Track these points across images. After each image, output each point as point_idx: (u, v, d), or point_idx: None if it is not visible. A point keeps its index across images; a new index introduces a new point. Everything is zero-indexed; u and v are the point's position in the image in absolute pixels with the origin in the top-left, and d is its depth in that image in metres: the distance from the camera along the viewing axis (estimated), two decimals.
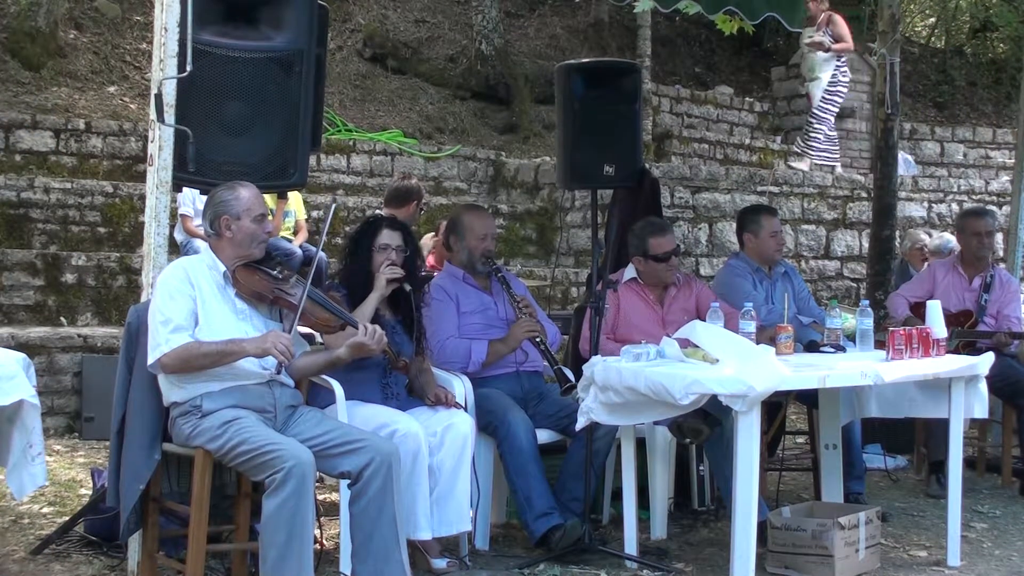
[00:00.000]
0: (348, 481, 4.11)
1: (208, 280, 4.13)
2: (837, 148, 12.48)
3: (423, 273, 5.55)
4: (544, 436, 5.15)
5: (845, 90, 12.38)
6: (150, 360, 4.00)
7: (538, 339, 5.23)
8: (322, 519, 4.42)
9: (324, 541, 4.60)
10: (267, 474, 3.85)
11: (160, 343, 3.97)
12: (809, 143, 12.30)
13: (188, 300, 4.05)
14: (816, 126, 12.27)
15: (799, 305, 5.98)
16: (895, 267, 8.95)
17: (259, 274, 4.21)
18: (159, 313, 4.01)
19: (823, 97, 12.20)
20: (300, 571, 3.85)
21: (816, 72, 12.24)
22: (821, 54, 12.11)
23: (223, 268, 4.17)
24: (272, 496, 3.83)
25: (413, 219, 7.04)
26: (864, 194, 11.20)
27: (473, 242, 5.38)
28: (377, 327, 4.39)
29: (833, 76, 12.15)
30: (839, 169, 12.27)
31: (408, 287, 4.84)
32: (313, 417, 4.24)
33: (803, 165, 12.04)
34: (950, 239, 8.79)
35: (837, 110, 12.43)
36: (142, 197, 7.71)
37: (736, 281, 5.89)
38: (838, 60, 12.13)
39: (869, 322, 5.21)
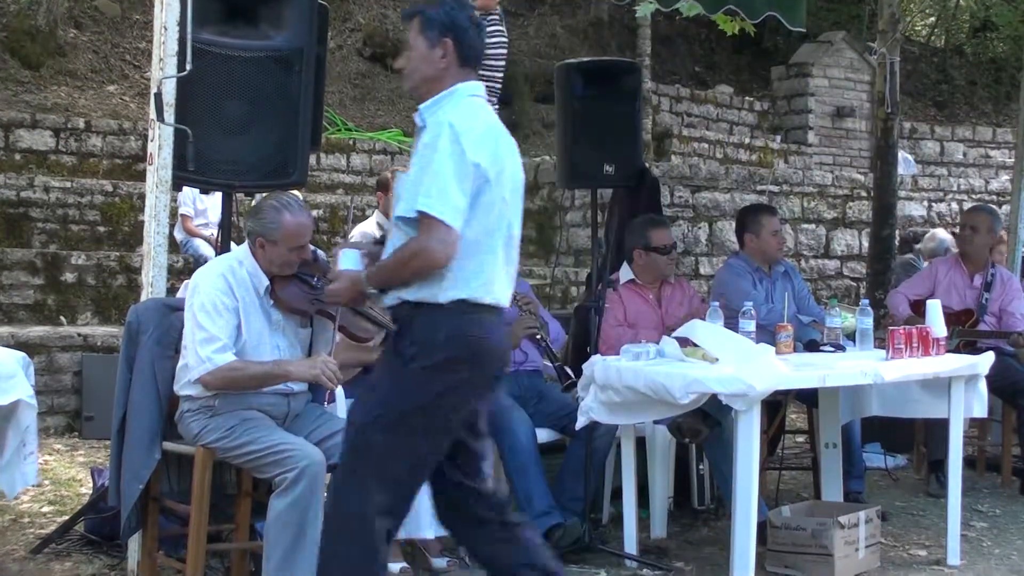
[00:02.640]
0: None
1: (248, 288, 4.07)
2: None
3: None
4: (544, 435, 5.15)
5: (501, 51, 10.49)
6: (192, 376, 3.97)
7: (538, 336, 5.23)
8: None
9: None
10: (277, 473, 3.84)
11: (203, 360, 3.93)
12: None
13: (232, 315, 4.00)
14: None
15: (799, 304, 5.97)
16: (896, 266, 8.92)
17: (296, 285, 4.14)
18: (201, 329, 3.94)
19: None
20: (306, 573, 3.83)
21: None
22: None
23: (266, 281, 4.10)
24: (282, 495, 3.81)
25: (387, 209, 7.02)
26: (864, 193, 11.20)
27: None
28: None
29: None
30: None
31: None
32: (309, 411, 4.24)
33: None
34: (945, 239, 8.79)
35: (498, 75, 10.52)
36: (142, 196, 7.72)
37: (735, 280, 5.89)
38: (484, 18, 10.69)
39: (869, 321, 5.20)
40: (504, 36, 10.32)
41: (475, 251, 3.36)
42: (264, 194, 4.45)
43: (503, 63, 10.29)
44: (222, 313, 3.98)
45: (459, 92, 3.47)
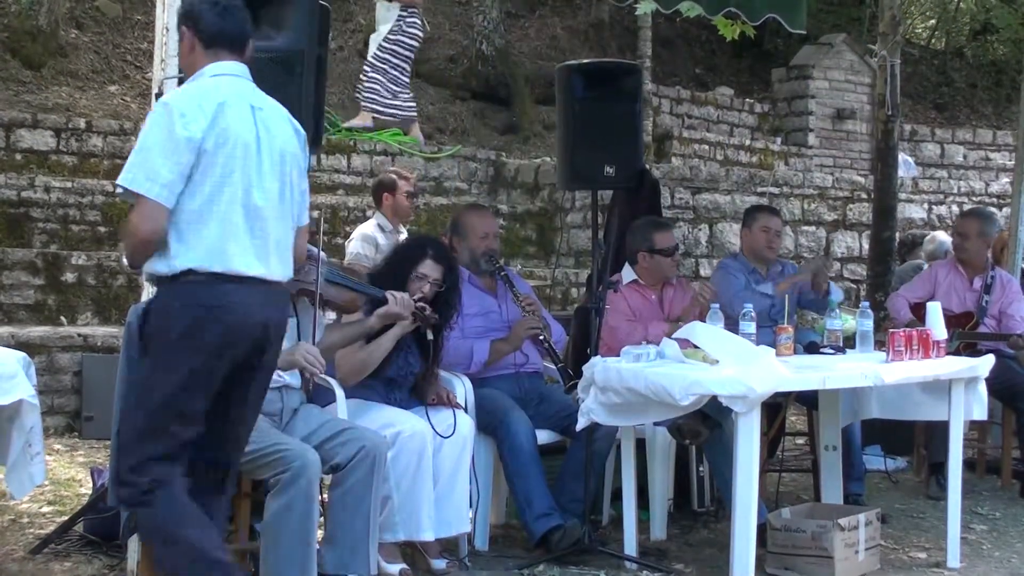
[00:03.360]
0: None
1: None
2: (411, 105, 11.26)
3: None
4: (544, 437, 5.15)
5: (412, 42, 11.06)
6: None
7: (541, 337, 5.22)
8: (324, 519, 4.41)
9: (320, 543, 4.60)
10: (272, 473, 3.85)
11: None
12: (364, 94, 11.07)
13: None
14: (371, 75, 10.97)
15: (800, 297, 6.00)
16: (902, 271, 8.88)
17: None
18: None
19: (380, 46, 10.95)
20: (303, 572, 3.85)
21: (378, 24, 11.18)
22: (385, 4, 11.04)
23: None
24: (277, 496, 3.82)
25: (394, 211, 7.06)
26: (864, 195, 11.20)
27: (475, 241, 5.37)
28: (405, 295, 4.47)
29: (396, 26, 10.87)
30: (416, 131, 11.31)
31: (430, 334, 4.66)
32: (308, 413, 4.25)
33: (359, 120, 11.09)
34: (944, 241, 8.79)
35: (404, 64, 11.06)
36: None
37: (728, 279, 5.90)
38: (403, 11, 10.90)
39: (869, 323, 5.21)
40: (419, 29, 11.06)
41: (200, 221, 3.43)
42: None
43: (413, 53, 11.15)
44: None
45: (203, 74, 3.60)
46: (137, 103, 11.30)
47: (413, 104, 11.35)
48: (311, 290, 4.19)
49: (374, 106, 11.00)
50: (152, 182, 3.35)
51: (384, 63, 10.99)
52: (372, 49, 11.16)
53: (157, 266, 3.45)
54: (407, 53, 11.10)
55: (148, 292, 4.27)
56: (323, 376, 4.59)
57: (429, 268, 4.75)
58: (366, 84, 11.07)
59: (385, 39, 10.97)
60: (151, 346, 3.47)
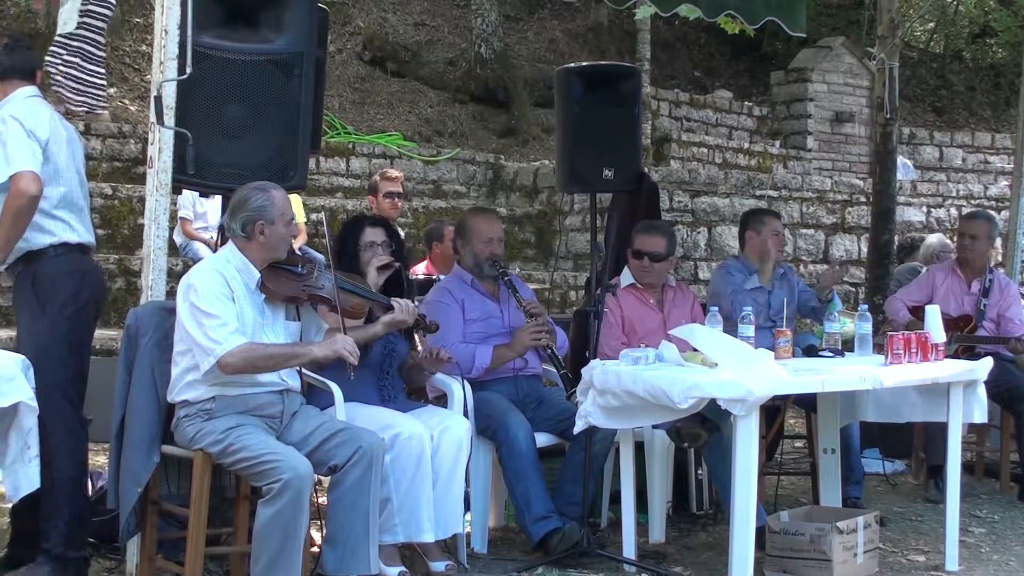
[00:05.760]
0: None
1: (239, 284, 4.10)
2: (101, 92, 9.82)
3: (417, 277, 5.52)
4: (543, 439, 5.15)
5: (105, 11, 9.51)
6: (206, 363, 3.95)
7: (546, 344, 5.21)
8: (323, 521, 4.41)
9: (321, 544, 4.60)
10: (265, 482, 3.88)
11: (220, 341, 3.94)
12: (55, 82, 9.31)
13: (232, 304, 4.04)
14: (66, 58, 9.36)
15: (799, 301, 6.00)
16: (899, 273, 8.86)
17: (284, 275, 4.21)
18: (211, 316, 3.96)
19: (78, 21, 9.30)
20: None
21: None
22: None
23: (256, 274, 4.14)
24: (268, 504, 3.85)
25: (380, 213, 7.07)
26: (863, 198, 11.21)
27: (479, 245, 5.34)
28: (409, 302, 4.57)
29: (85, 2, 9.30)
30: (105, 115, 9.97)
31: (398, 263, 4.85)
32: (307, 415, 4.26)
33: (61, 109, 8.81)
34: (943, 245, 8.78)
35: (92, 48, 9.50)
36: (141, 199, 7.71)
37: (728, 278, 5.89)
38: None
39: (868, 326, 5.21)
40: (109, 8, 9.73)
41: None
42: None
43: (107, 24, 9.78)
44: (224, 301, 4.03)
45: (14, 98, 4.38)
46: (136, 106, 11.30)
47: (103, 93, 9.99)
48: (322, 296, 4.21)
49: (69, 95, 9.48)
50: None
51: (75, 42, 9.41)
52: (61, 26, 9.41)
53: None
54: (101, 24, 9.61)
55: (147, 295, 4.29)
56: (322, 379, 4.60)
57: (371, 234, 4.91)
58: (50, 69, 9.14)
59: (82, 23, 9.35)
60: None
